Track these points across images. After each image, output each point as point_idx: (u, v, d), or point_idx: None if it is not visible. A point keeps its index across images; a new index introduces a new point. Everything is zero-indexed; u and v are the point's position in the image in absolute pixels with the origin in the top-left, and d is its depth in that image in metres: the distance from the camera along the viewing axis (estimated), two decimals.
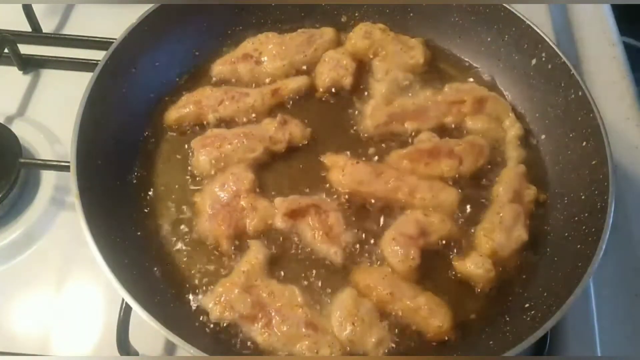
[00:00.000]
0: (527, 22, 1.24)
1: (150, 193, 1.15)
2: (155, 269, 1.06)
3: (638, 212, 1.28)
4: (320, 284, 1.05)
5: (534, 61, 1.25)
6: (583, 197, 1.10)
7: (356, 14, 1.39)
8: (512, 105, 1.28)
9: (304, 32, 1.34)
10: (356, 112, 1.26)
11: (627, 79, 1.47)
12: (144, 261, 1.06)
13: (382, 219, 1.12)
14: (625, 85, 1.46)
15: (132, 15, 1.20)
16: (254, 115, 1.23)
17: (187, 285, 1.05)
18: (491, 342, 1.00)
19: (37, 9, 1.46)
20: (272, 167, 1.18)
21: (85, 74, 1.20)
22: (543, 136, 1.24)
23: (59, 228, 1.20)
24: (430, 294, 1.03)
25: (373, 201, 1.13)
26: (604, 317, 1.14)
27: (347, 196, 1.13)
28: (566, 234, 1.09)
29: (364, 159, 1.18)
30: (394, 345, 1.00)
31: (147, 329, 0.89)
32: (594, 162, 1.10)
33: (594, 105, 1.12)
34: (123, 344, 1.00)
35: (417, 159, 1.17)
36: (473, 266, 1.05)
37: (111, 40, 1.17)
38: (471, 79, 1.32)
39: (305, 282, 1.05)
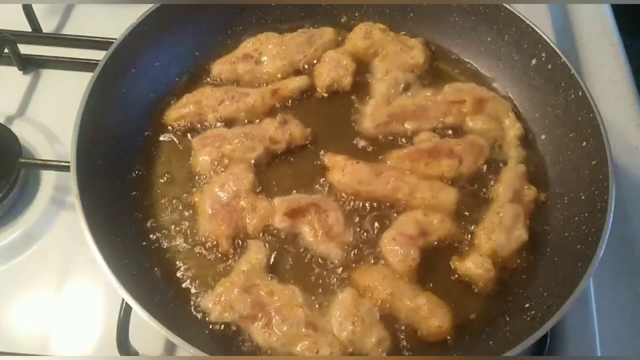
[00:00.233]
0: (527, 22, 1.24)
1: (150, 193, 1.15)
2: (156, 269, 1.06)
3: (638, 212, 1.28)
4: (320, 283, 1.05)
5: (534, 61, 1.25)
6: (583, 197, 1.10)
7: (356, 14, 1.40)
8: (512, 105, 1.28)
9: (304, 32, 1.34)
10: (356, 112, 1.26)
11: (627, 79, 1.47)
12: (144, 261, 1.06)
13: (382, 219, 1.12)
14: (625, 85, 1.46)
15: (132, 15, 1.20)
16: (254, 115, 1.23)
17: (187, 286, 1.05)
18: (491, 342, 1.00)
19: (37, 9, 1.46)
20: (272, 167, 1.18)
21: (85, 74, 1.21)
22: (543, 136, 1.24)
23: (59, 228, 1.20)
24: (430, 294, 1.03)
25: (373, 201, 1.13)
26: (604, 317, 1.14)
27: (347, 196, 1.14)
28: (566, 234, 1.09)
29: (364, 159, 1.18)
30: (393, 345, 1.00)
31: (147, 329, 0.90)
32: (594, 162, 1.10)
33: (594, 105, 1.12)
34: (123, 344, 1.00)
35: (417, 159, 1.17)
36: (473, 266, 1.05)
37: (111, 40, 1.17)
38: (471, 79, 1.32)
39: (305, 282, 1.05)
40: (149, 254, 1.08)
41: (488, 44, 1.33)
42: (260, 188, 1.14)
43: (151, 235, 1.10)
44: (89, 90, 1.08)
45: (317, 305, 1.03)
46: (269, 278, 1.04)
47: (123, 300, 1.00)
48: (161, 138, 1.22)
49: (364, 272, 1.06)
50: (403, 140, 1.22)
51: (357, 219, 1.12)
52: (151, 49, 1.23)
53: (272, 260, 1.07)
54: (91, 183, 1.03)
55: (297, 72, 1.30)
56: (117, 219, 1.07)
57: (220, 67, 1.30)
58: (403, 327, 1.02)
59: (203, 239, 1.09)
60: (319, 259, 1.08)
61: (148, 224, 1.11)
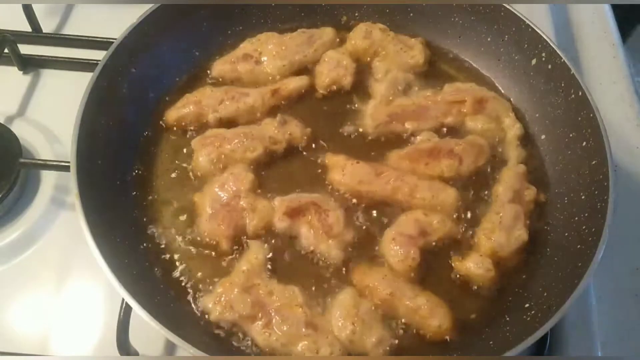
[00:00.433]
0: (527, 22, 1.24)
1: (150, 193, 1.15)
2: (156, 269, 1.06)
3: (638, 212, 1.28)
4: (320, 283, 1.05)
5: (534, 61, 1.25)
6: (583, 197, 1.10)
7: (356, 14, 1.40)
8: (512, 105, 1.28)
9: (304, 32, 1.34)
10: (356, 112, 1.26)
11: (627, 79, 1.47)
12: (144, 261, 1.06)
13: (382, 219, 1.12)
14: (625, 85, 1.46)
15: (132, 15, 1.20)
16: (254, 115, 1.23)
17: (187, 286, 1.05)
18: (491, 342, 1.00)
19: (37, 9, 1.46)
20: (272, 167, 1.18)
21: (85, 74, 1.21)
22: (543, 136, 1.24)
23: (59, 228, 1.20)
24: (430, 294, 1.03)
25: (373, 201, 1.13)
26: (604, 317, 1.14)
27: (347, 196, 1.14)
28: (566, 234, 1.09)
29: (364, 159, 1.18)
30: (394, 345, 1.00)
31: (147, 329, 0.89)
32: (594, 162, 1.10)
33: (594, 105, 1.12)
34: (123, 344, 1.00)
35: (417, 159, 1.17)
36: (473, 266, 1.05)
37: (111, 40, 1.17)
38: (471, 79, 1.32)
39: (305, 282, 1.05)
40: (149, 254, 1.08)
41: (488, 43, 1.33)
42: (260, 188, 1.14)
43: (151, 235, 1.10)
44: (89, 90, 1.08)
45: (317, 306, 1.02)
46: (269, 278, 1.04)
47: (123, 300, 1.00)
48: (161, 138, 1.22)
49: (364, 272, 1.06)
50: (403, 140, 1.22)
51: (357, 219, 1.12)
52: (151, 48, 1.23)
53: (272, 260, 1.07)
54: (91, 183, 1.03)
55: (297, 72, 1.30)
56: (117, 218, 1.07)
57: (220, 67, 1.30)
58: (403, 327, 1.02)
59: (203, 239, 1.09)
60: (319, 259, 1.08)
61: (148, 224, 1.11)
